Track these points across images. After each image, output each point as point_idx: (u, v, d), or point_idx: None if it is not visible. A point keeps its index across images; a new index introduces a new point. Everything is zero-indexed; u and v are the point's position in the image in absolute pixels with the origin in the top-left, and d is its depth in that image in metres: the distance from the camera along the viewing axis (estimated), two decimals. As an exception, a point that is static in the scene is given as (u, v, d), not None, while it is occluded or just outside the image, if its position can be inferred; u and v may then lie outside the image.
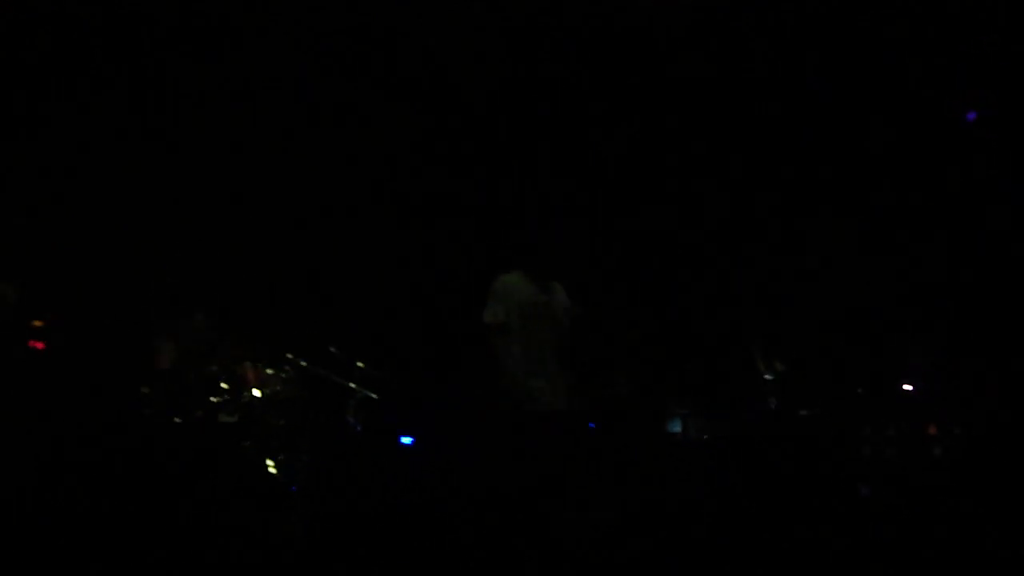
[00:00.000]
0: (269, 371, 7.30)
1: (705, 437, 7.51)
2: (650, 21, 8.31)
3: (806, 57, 8.22)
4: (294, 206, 8.49)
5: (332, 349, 7.54)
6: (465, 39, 8.39)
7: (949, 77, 8.05)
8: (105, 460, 6.86)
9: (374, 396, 7.42)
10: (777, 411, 7.64)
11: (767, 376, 7.67)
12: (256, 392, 7.16)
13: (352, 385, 7.42)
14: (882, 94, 8.30)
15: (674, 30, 8.32)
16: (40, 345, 6.87)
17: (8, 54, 8.04)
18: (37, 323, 7.00)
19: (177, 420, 6.99)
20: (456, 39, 8.40)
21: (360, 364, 7.50)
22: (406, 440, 7.58)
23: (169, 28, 8.24)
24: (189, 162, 8.43)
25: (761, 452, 7.30)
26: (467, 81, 8.53)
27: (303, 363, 7.37)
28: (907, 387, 7.91)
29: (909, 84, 8.19)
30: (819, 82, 8.21)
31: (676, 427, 7.65)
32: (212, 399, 7.05)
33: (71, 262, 7.93)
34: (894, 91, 8.27)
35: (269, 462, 6.97)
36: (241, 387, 7.14)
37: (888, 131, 8.38)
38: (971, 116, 7.97)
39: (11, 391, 6.79)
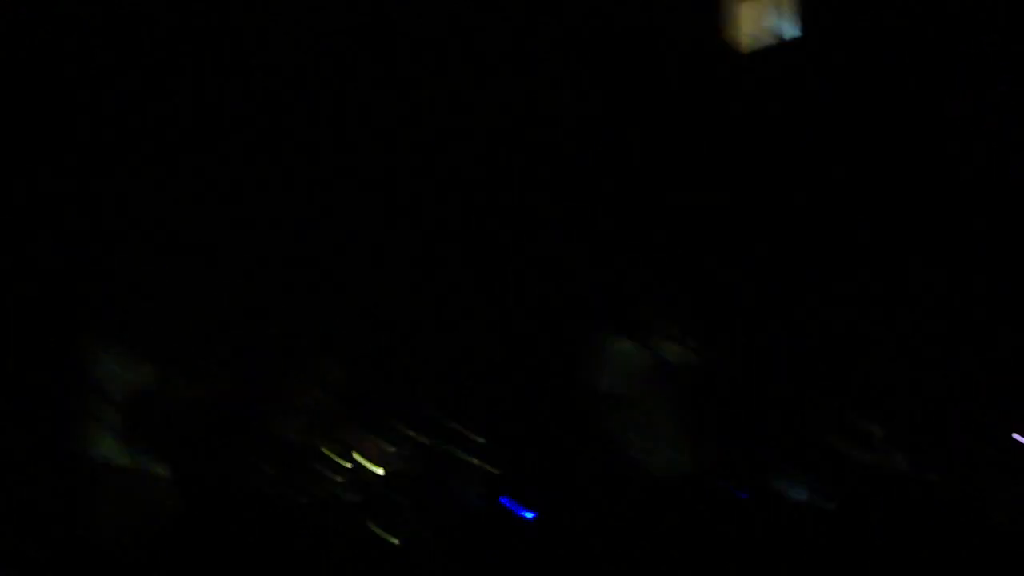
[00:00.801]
0: (389, 447, 7.32)
1: (832, 505, 7.37)
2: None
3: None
4: (397, 289, 8.51)
5: (449, 423, 7.54)
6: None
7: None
8: (225, 539, 6.91)
9: (494, 471, 7.40)
10: (900, 476, 7.47)
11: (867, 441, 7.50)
12: (377, 470, 7.19)
13: (472, 460, 7.40)
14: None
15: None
16: None
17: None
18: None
19: (301, 500, 7.03)
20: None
21: (479, 439, 7.49)
22: (527, 515, 7.53)
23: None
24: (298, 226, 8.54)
25: (892, 520, 7.16)
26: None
27: (422, 438, 7.37)
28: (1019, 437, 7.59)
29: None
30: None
31: (800, 494, 7.52)
32: (334, 477, 7.10)
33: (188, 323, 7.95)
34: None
35: (393, 540, 6.98)
36: (363, 464, 7.17)
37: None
38: None
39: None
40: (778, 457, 7.60)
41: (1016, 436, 7.57)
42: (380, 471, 7.19)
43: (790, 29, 8.22)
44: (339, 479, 7.18)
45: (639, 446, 6.85)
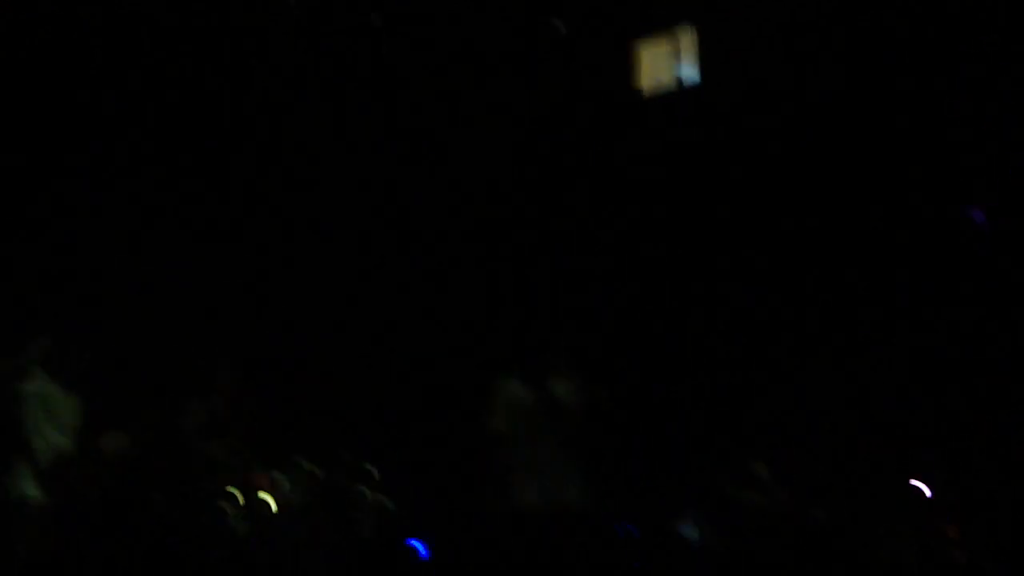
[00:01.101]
0: (281, 478, 7.31)
1: (718, 541, 7.42)
2: None
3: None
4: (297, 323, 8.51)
5: (342, 453, 7.55)
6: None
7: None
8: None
9: (387, 503, 7.41)
10: (785, 512, 7.50)
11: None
12: (269, 501, 7.17)
13: (364, 491, 7.41)
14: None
15: None
16: None
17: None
18: None
19: (197, 533, 6.98)
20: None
21: (371, 468, 7.50)
22: (418, 547, 7.54)
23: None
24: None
25: (775, 556, 7.22)
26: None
27: (315, 469, 7.37)
28: (918, 484, 7.60)
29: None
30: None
31: (690, 531, 7.56)
32: (226, 509, 7.06)
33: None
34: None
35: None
36: (254, 495, 7.15)
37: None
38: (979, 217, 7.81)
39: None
40: (668, 496, 7.68)
41: (912, 481, 7.60)
42: (275, 503, 7.18)
43: (691, 75, 8.36)
44: (235, 511, 7.15)
45: (529, 485, 6.90)
